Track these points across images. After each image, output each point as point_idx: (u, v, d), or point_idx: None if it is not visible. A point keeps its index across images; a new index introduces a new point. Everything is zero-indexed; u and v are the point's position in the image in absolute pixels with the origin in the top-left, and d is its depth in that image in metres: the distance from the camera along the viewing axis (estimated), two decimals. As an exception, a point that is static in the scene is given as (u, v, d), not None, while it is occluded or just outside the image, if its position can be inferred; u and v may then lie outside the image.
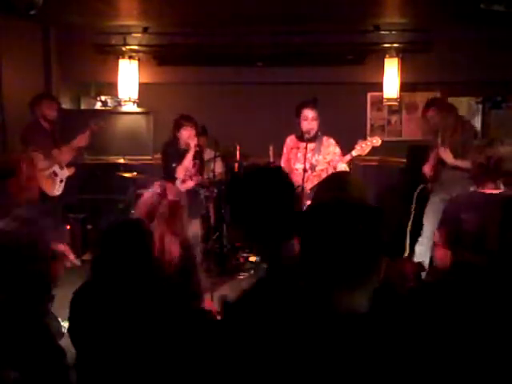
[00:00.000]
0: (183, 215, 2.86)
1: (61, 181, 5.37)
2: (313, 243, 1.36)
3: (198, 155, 5.03)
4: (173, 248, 2.77)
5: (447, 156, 4.61)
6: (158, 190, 2.80)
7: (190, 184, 4.84)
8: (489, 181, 2.86)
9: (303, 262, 1.38)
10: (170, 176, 4.68)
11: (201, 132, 6.20)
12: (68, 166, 5.48)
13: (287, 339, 1.32)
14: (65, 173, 5.41)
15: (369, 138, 4.55)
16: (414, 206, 4.86)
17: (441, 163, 4.73)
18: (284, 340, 1.33)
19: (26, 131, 5.30)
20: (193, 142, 4.79)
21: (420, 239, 4.84)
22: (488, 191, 2.85)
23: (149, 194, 2.85)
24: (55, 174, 5.30)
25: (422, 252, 4.74)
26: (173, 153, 4.88)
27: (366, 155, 4.49)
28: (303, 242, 1.39)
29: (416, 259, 4.59)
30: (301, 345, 1.30)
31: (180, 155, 4.81)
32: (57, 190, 5.32)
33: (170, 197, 2.78)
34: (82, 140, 5.49)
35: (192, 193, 4.81)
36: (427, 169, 4.89)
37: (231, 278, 5.51)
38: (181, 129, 4.83)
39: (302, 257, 1.38)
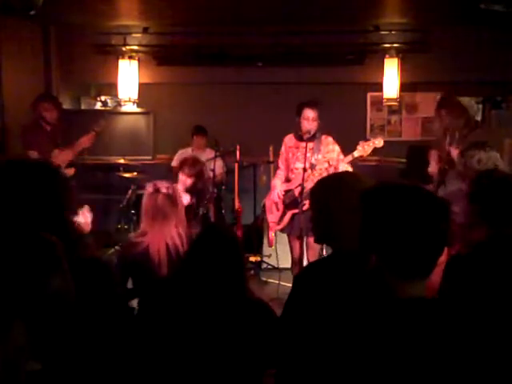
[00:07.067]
0: (180, 206, 2.92)
1: None
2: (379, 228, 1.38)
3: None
4: (183, 239, 2.82)
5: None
6: (150, 189, 2.87)
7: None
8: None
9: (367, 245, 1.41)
10: None
11: (200, 132, 6.23)
12: (68, 166, 5.46)
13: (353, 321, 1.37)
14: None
15: (371, 139, 4.51)
16: None
17: (452, 163, 4.64)
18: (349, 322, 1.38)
19: (25, 131, 5.29)
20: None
21: None
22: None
23: (145, 195, 2.92)
24: None
25: None
26: None
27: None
28: (367, 225, 1.41)
29: None
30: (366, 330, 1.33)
31: None
32: None
33: (164, 191, 2.85)
34: (85, 142, 5.46)
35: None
36: (433, 169, 4.83)
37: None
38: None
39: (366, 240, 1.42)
